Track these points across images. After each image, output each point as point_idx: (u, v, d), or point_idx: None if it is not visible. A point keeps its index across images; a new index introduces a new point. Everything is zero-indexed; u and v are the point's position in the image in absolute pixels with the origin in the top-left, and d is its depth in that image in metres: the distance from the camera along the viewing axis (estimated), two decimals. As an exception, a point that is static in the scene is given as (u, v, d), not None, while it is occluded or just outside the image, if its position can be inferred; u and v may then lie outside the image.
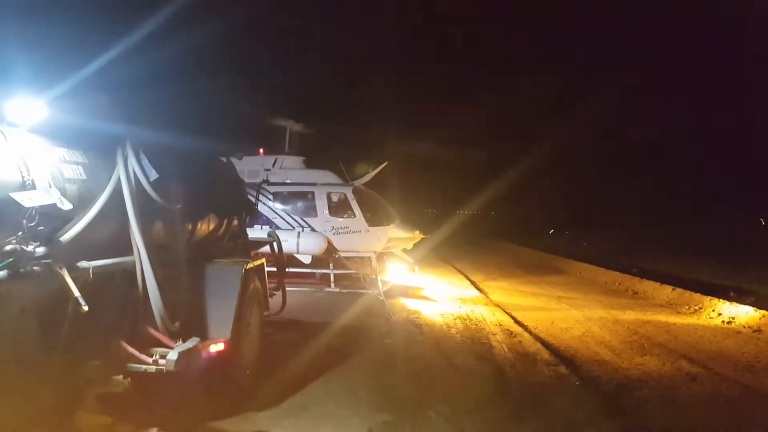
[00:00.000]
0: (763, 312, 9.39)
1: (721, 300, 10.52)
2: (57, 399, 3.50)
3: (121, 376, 4.16)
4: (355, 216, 12.04)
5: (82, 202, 3.49)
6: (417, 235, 12.69)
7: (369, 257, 12.00)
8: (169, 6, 9.33)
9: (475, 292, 12.71)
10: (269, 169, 12.84)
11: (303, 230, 11.87)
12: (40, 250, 3.10)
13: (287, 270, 8.79)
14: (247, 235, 6.89)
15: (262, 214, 11.93)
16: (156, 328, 4.12)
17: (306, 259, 11.68)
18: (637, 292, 13.14)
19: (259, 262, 5.82)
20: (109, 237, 3.82)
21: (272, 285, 6.55)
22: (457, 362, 6.94)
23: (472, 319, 9.47)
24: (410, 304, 10.72)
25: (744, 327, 9.24)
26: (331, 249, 11.78)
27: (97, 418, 4.06)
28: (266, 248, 7.45)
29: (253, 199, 11.42)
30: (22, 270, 2.96)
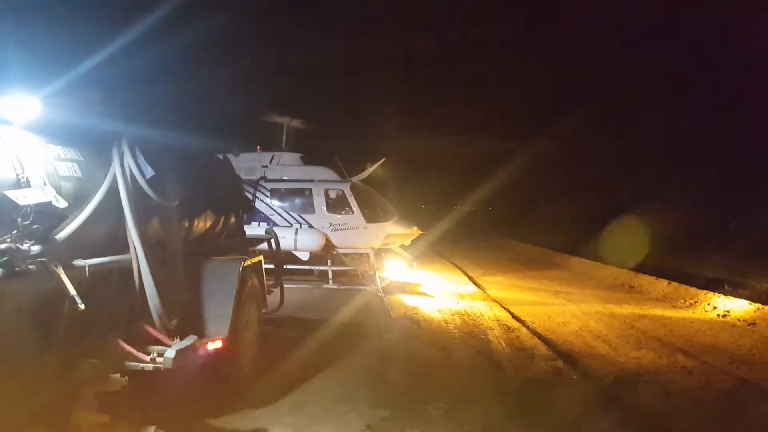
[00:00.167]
0: (757, 305, 9.45)
1: (716, 293, 10.58)
2: (54, 398, 3.49)
3: (118, 375, 4.17)
4: (352, 212, 12.02)
5: (77, 200, 3.48)
6: (415, 231, 12.68)
7: (367, 254, 11.99)
8: (165, 1, 9.29)
9: (472, 288, 12.73)
10: (266, 166, 12.78)
11: (301, 227, 11.85)
12: (36, 248, 3.09)
13: (285, 267, 8.78)
14: (245, 232, 6.88)
15: (259, 211, 11.89)
16: (153, 326, 4.10)
17: (304, 256, 11.66)
18: (633, 287, 13.20)
19: (256, 259, 5.80)
20: (105, 235, 3.80)
21: (270, 282, 6.54)
22: (455, 357, 6.97)
23: (470, 315, 9.49)
24: (408, 300, 10.73)
25: (739, 320, 9.29)
26: (329, 246, 11.76)
27: (94, 417, 4.07)
28: (264, 245, 7.44)
29: (250, 196, 11.39)
30: (17, 268, 2.94)
